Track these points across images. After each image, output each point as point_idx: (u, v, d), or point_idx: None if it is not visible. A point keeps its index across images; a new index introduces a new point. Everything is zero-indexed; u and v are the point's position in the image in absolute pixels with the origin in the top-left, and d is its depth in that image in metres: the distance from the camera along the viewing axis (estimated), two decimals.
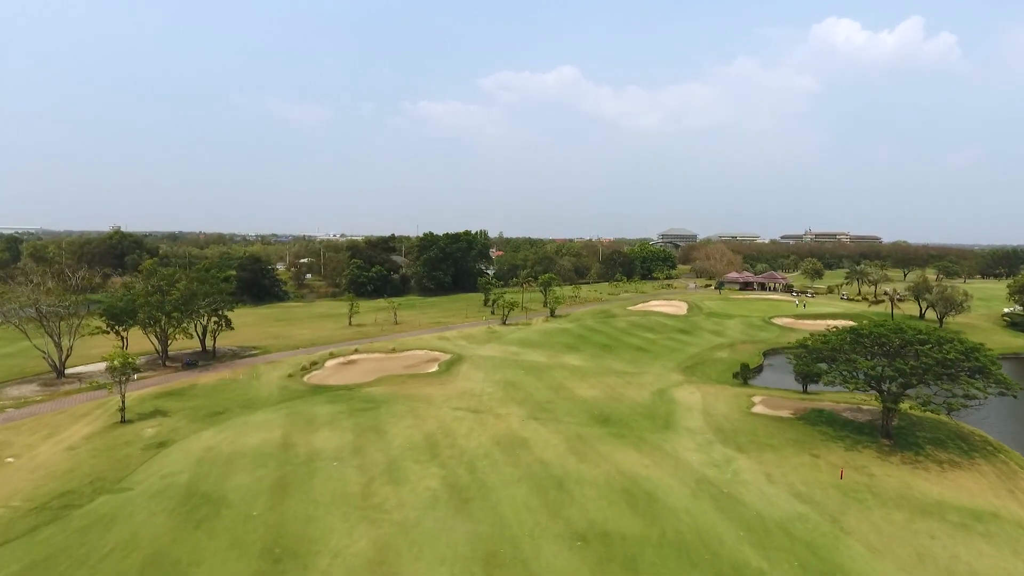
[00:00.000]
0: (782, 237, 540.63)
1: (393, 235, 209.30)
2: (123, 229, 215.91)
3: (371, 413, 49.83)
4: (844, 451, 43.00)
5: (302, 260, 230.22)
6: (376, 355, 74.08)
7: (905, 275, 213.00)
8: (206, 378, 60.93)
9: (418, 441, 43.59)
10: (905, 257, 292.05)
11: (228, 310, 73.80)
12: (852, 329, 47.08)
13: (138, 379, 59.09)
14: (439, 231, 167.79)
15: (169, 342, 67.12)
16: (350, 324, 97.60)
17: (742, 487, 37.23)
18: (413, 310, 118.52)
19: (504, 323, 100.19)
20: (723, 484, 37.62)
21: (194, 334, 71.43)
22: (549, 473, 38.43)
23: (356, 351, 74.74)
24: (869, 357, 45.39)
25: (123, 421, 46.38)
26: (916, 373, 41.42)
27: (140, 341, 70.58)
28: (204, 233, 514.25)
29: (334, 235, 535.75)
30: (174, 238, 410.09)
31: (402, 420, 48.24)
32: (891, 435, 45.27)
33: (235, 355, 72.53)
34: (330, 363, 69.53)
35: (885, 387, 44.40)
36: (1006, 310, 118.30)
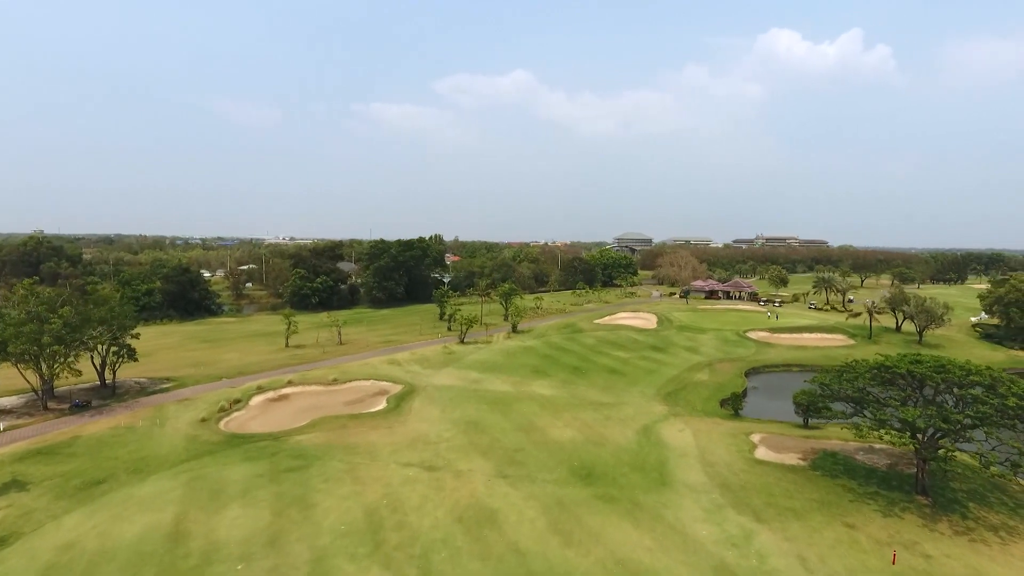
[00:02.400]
0: (734, 241, 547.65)
1: (341, 242, 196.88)
2: (59, 232, 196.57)
3: (299, 476, 39.67)
4: (882, 517, 35.41)
5: (243, 267, 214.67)
6: (313, 388, 63.38)
7: (862, 281, 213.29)
8: (95, 426, 49.21)
9: (356, 520, 33.80)
10: (856, 262, 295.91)
11: (132, 336, 61.79)
12: (881, 365, 39.66)
13: (4, 430, 47.21)
14: (394, 234, 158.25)
15: (55, 378, 54.82)
16: (287, 345, 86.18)
17: None
18: (361, 326, 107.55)
19: (462, 341, 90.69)
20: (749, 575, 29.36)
21: (92, 366, 59.48)
22: (528, 569, 29.34)
23: (290, 383, 63.83)
24: (907, 402, 37.94)
25: None
26: (974, 424, 34.11)
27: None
28: (144, 236, 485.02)
29: (283, 238, 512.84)
30: (109, 242, 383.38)
31: (338, 486, 38.30)
32: (927, 491, 38.07)
33: (141, 390, 60.66)
34: (257, 400, 58.55)
35: (922, 436, 37.11)
36: (973, 319, 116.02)
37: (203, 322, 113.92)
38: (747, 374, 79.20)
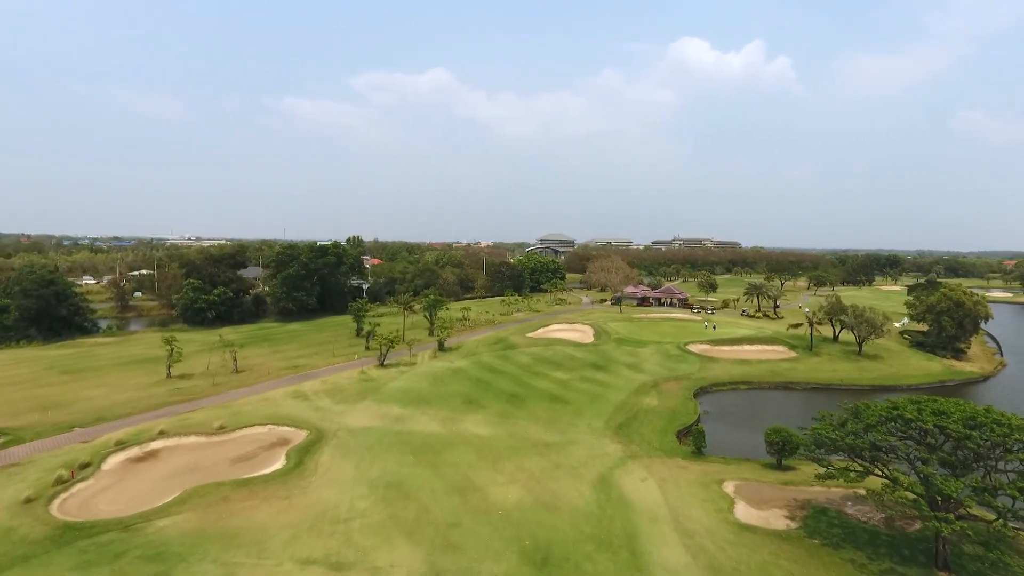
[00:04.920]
0: (653, 243, 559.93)
1: (245, 246, 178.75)
2: None
3: None
4: None
5: (135, 272, 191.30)
6: (192, 439, 50.81)
7: (782, 284, 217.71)
8: None
9: None
10: (770, 264, 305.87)
11: None
12: (900, 416, 33.07)
13: None
14: (311, 233, 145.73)
15: None
16: (169, 376, 72.13)
17: None
18: (264, 347, 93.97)
19: (382, 364, 79.83)
20: None
21: None
22: None
23: (162, 433, 50.91)
24: (933, 464, 31.45)
25: None
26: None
27: None
28: (28, 236, 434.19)
29: (188, 238, 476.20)
30: None
31: None
32: (948, 564, 31.85)
33: None
34: (113, 461, 45.55)
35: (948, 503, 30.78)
36: (897, 325, 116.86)
37: (71, 344, 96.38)
38: (696, 394, 73.32)
